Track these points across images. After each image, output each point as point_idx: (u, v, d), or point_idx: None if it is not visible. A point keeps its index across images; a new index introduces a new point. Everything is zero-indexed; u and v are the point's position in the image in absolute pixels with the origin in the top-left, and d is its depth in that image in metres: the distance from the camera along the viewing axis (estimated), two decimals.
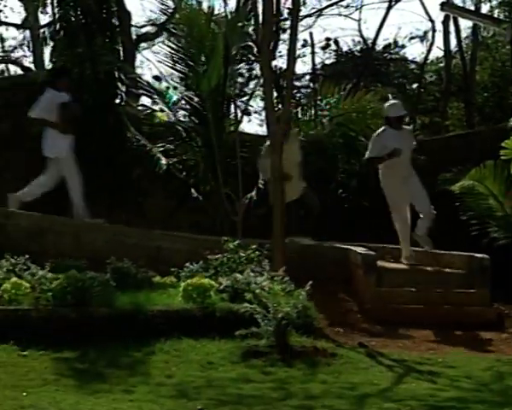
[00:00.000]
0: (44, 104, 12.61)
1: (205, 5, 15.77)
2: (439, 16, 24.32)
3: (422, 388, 7.43)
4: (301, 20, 21.76)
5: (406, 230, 12.06)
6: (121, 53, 15.47)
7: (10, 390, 6.86)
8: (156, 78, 16.59)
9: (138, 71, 21.67)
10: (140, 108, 15.93)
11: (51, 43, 14.58)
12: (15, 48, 27.24)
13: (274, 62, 19.72)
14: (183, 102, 15.15)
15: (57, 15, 14.30)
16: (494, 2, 24.44)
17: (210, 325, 8.76)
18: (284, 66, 20.09)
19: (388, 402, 6.86)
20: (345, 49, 26.11)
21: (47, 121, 12.58)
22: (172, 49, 14.82)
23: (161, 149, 14.38)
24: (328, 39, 25.90)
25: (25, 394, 6.76)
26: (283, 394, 7.06)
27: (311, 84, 21.84)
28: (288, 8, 22.76)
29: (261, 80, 15.15)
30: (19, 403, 6.46)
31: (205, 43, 14.26)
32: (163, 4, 15.84)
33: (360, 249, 11.61)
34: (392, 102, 13.12)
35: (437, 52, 26.58)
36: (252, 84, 21.70)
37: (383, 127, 12.33)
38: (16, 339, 8.10)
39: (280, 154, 11.02)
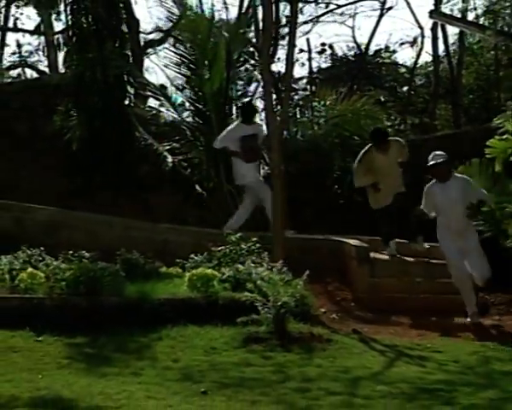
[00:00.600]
0: (227, 135, 12.56)
1: (208, 13, 15.81)
2: (427, 23, 24.35)
3: (412, 371, 7.44)
4: (299, 27, 21.75)
5: (464, 287, 10.21)
6: (130, 58, 15.46)
7: (27, 373, 6.87)
8: (163, 87, 16.56)
9: (146, 75, 21.63)
10: (147, 109, 15.94)
11: (65, 49, 14.56)
12: (31, 53, 27.22)
13: (273, 66, 19.72)
14: (188, 103, 15.16)
15: (70, 23, 14.30)
16: (479, 11, 24.48)
17: (213, 312, 8.76)
18: (283, 70, 20.08)
19: (380, 385, 6.86)
20: (340, 54, 26.11)
21: (232, 151, 12.51)
22: (177, 54, 14.83)
23: (167, 147, 14.39)
24: (323, 45, 25.88)
25: (40, 376, 6.77)
26: (282, 377, 7.07)
27: (308, 87, 21.82)
28: (287, 16, 22.77)
29: (261, 83, 15.16)
30: (35, 385, 6.47)
31: (208, 48, 14.27)
32: (169, 12, 15.87)
33: (354, 242, 11.61)
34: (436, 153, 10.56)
35: (426, 57, 26.67)
36: (252, 87, 21.68)
37: (431, 181, 10.62)
38: (32, 326, 8.11)
39: (279, 152, 11.01)
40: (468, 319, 10.06)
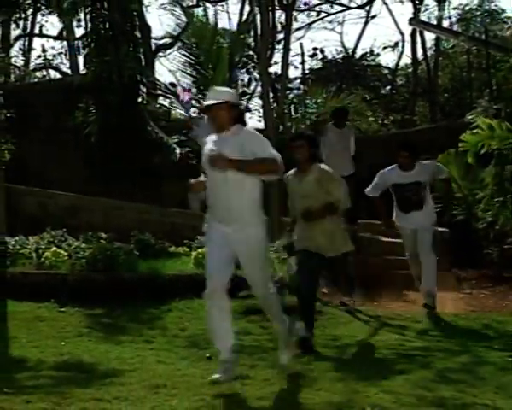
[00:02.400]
0: None
1: (212, 21, 15.77)
2: (408, 30, 24.28)
3: (393, 339, 7.44)
4: (293, 32, 21.67)
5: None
6: (142, 60, 15.41)
7: (52, 340, 6.89)
8: (172, 84, 16.52)
9: (157, 75, 21.58)
10: (158, 106, 15.90)
11: (84, 52, 14.51)
12: (55, 56, 27.08)
13: (270, 68, 19.62)
14: (194, 101, 15.12)
15: (89, 29, 14.25)
16: (453, 19, 24.43)
17: None
18: (279, 71, 20.01)
19: (365, 351, 6.88)
20: (329, 57, 25.97)
21: None
22: (185, 57, 14.79)
23: (176, 140, 14.36)
24: (315, 49, 25.75)
25: (63, 343, 6.78)
26: (278, 344, 7.06)
27: (302, 87, 21.75)
28: (281, 24, 22.68)
29: (259, 83, 15.12)
30: (58, 351, 6.49)
31: (212, 52, 14.23)
32: (178, 20, 15.84)
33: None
34: None
35: (406, 60, 26.54)
36: (252, 86, 21.62)
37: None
38: (56, 298, 8.12)
39: (275, 144, 10.96)
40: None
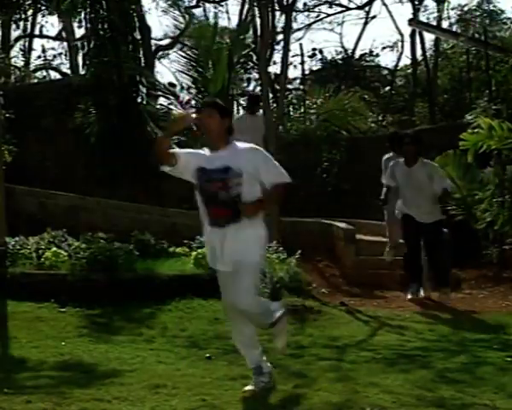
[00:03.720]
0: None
1: (211, 21, 15.78)
2: (407, 30, 24.26)
3: (393, 339, 7.44)
4: (292, 33, 21.65)
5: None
6: (142, 61, 15.41)
7: (52, 340, 6.89)
8: (171, 84, 16.53)
9: (157, 76, 21.56)
10: (158, 106, 15.90)
11: (84, 53, 14.51)
12: (55, 56, 27.07)
13: (270, 69, 19.62)
14: (194, 101, 15.13)
15: (89, 30, 14.25)
16: (453, 19, 24.43)
17: (216, 287, 8.65)
18: (278, 71, 20.00)
19: (364, 351, 6.88)
20: (329, 57, 25.94)
21: None
22: (185, 57, 14.79)
23: (176, 140, 14.35)
24: (314, 49, 25.72)
25: (63, 343, 6.78)
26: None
27: (301, 87, 21.73)
28: (282, 24, 22.67)
29: (259, 83, 15.12)
30: (59, 350, 6.50)
31: (211, 52, 14.23)
32: (176, 21, 15.86)
33: (341, 224, 11.60)
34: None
35: (405, 60, 26.53)
36: (251, 86, 21.61)
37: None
38: (56, 298, 8.12)
39: (275, 144, 10.98)
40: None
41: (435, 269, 9.70)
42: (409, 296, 9.62)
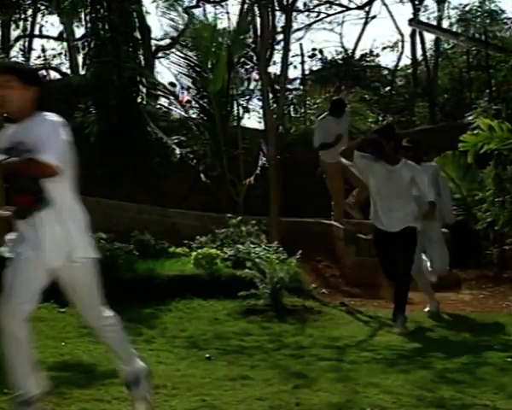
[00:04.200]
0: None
1: (211, 21, 15.75)
2: (407, 30, 24.24)
3: (393, 339, 7.44)
4: (292, 33, 21.65)
5: None
6: (142, 61, 15.42)
7: (51, 341, 6.88)
8: (171, 84, 16.53)
9: (157, 76, 21.55)
10: (158, 106, 15.90)
11: (84, 53, 14.52)
12: (55, 56, 27.04)
13: (270, 69, 19.60)
14: (194, 102, 15.12)
15: (89, 30, 14.26)
16: (453, 19, 24.41)
17: (216, 287, 8.77)
18: (278, 71, 20.00)
19: (364, 352, 6.88)
20: (329, 57, 25.95)
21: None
22: (184, 58, 14.78)
23: (176, 140, 14.38)
24: (314, 50, 25.72)
25: (63, 343, 6.78)
26: (278, 345, 7.08)
27: (301, 87, 21.73)
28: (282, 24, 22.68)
29: (259, 83, 15.11)
30: (58, 351, 6.49)
31: (211, 53, 14.21)
32: (173, 21, 15.88)
33: (341, 225, 11.58)
34: None
35: (405, 60, 26.50)
36: (251, 87, 21.61)
37: None
38: (56, 298, 8.09)
39: (275, 144, 10.99)
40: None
41: (395, 289, 8.25)
42: (397, 330, 7.80)
